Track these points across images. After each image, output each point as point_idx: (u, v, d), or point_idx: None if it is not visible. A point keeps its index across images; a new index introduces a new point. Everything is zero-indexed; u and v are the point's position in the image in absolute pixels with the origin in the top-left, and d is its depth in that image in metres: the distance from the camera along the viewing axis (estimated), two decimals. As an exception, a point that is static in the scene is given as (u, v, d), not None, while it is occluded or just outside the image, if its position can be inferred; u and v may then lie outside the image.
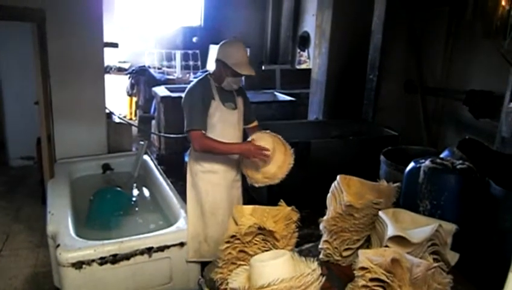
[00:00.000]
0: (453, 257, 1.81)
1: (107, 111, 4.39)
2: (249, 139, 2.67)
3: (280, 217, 2.01)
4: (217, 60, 2.64)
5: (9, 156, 5.42)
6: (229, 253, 1.87)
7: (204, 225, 2.78)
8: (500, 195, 2.05)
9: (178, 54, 8.46)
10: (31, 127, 4.49)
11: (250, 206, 2.05)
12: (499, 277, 1.98)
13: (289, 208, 1.98)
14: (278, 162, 2.57)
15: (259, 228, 1.86)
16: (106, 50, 4.16)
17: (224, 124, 2.65)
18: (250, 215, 1.99)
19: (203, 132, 2.57)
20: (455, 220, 1.90)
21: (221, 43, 2.67)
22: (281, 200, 2.08)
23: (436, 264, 1.60)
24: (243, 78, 2.83)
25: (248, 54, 2.75)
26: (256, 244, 1.87)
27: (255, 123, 2.91)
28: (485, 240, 2.10)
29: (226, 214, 2.67)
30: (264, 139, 2.57)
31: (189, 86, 2.71)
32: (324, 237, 2.06)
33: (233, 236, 1.86)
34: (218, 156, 2.67)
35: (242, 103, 2.78)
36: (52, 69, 3.78)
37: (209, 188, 2.74)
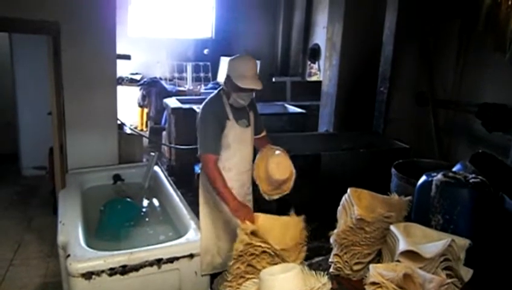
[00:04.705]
0: (466, 273, 1.78)
1: (118, 122, 4.43)
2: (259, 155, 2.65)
3: (289, 226, 1.99)
4: (226, 76, 2.62)
5: (22, 166, 5.49)
6: (238, 267, 1.86)
7: (217, 238, 2.77)
8: (515, 210, 2.02)
9: (189, 66, 8.53)
10: (44, 138, 4.54)
11: (260, 216, 2.04)
12: (514, 294, 1.94)
13: (299, 220, 1.97)
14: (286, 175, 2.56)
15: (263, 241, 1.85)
16: (118, 62, 4.21)
17: (238, 143, 2.65)
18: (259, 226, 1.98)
19: (217, 156, 2.57)
20: (468, 235, 1.87)
21: (231, 58, 2.65)
22: (292, 210, 2.06)
23: (449, 280, 1.57)
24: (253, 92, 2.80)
25: (258, 67, 2.71)
26: (264, 259, 1.85)
27: (264, 133, 2.91)
28: (499, 255, 2.06)
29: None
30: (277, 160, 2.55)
31: (203, 105, 2.67)
32: (334, 251, 2.04)
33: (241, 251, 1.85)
34: (231, 174, 2.65)
35: (253, 116, 2.77)
36: (66, 80, 3.83)
37: (223, 204, 2.68)
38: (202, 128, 2.59)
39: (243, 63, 2.57)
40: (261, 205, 3.47)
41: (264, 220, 2.05)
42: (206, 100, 2.71)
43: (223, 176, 2.54)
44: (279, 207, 2.23)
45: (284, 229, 1.98)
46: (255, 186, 2.72)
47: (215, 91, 2.74)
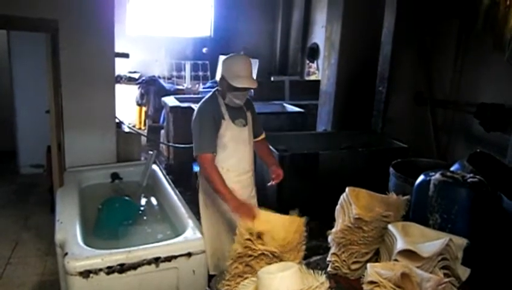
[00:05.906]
0: (463, 272, 1.78)
1: (116, 120, 4.42)
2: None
3: (290, 226, 1.98)
4: (221, 76, 2.61)
5: (19, 164, 5.48)
6: (236, 267, 1.86)
7: (221, 242, 2.75)
8: (512, 209, 2.02)
9: (188, 65, 8.53)
10: (42, 136, 4.53)
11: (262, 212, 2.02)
12: (511, 293, 1.95)
13: (300, 220, 1.96)
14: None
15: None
16: (117, 60, 4.20)
17: (236, 143, 2.62)
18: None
19: (214, 154, 2.54)
20: (466, 235, 1.87)
21: (225, 58, 2.64)
22: (296, 210, 2.04)
23: (446, 280, 1.57)
24: (252, 91, 2.78)
25: (254, 66, 2.70)
26: (263, 259, 1.85)
27: (263, 136, 2.90)
28: (497, 255, 2.06)
29: None
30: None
31: (199, 106, 2.65)
32: (332, 250, 2.04)
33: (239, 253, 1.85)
34: (230, 175, 2.62)
35: (251, 117, 2.75)
36: (64, 78, 3.82)
37: (225, 208, 2.66)
38: (197, 128, 2.56)
39: (237, 63, 2.56)
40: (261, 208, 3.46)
41: (265, 217, 2.05)
42: (201, 101, 2.69)
43: (220, 175, 2.50)
44: (281, 209, 2.21)
45: (285, 229, 1.97)
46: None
47: (211, 92, 2.72)
